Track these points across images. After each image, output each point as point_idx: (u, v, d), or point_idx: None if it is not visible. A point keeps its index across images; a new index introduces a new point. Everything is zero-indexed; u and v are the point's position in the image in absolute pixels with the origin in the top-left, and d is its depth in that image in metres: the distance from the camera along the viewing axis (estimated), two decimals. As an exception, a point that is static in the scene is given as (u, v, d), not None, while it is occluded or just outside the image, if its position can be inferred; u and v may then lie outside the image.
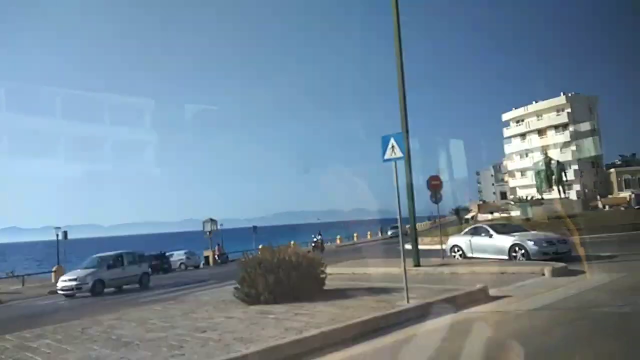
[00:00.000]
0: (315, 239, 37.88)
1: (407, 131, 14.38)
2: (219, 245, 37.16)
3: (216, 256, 35.59)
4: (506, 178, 79.67)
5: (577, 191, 60.69)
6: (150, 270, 22.54)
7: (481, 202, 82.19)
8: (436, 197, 17.49)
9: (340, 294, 10.27)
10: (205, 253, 36.40)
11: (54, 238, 32.66)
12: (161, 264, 31.55)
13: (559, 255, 14.05)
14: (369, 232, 57.20)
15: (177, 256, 34.39)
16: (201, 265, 34.89)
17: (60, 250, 31.97)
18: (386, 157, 9.00)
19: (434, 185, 17.40)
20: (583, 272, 11.73)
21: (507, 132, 73.52)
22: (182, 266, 33.38)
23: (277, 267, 9.77)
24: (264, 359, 5.92)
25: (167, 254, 34.48)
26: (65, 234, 33.28)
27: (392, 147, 8.91)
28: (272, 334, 6.79)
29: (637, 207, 50.80)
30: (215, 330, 7.59)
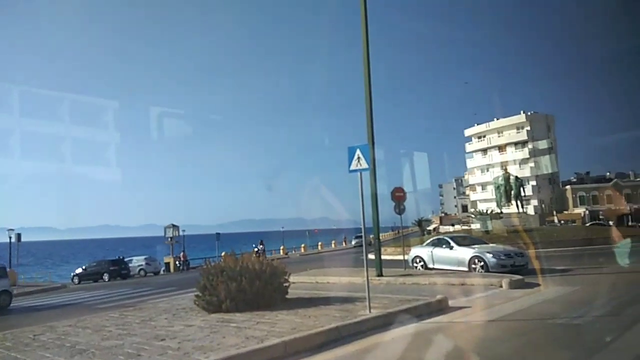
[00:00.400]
0: (256, 249, 36.82)
1: (372, 143, 14.55)
2: (184, 251, 36.65)
3: (178, 263, 34.94)
4: (468, 191, 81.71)
5: (535, 206, 62.85)
6: (10, 287, 17.76)
7: (443, 214, 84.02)
8: (400, 208, 17.74)
9: (303, 302, 10.26)
10: (166, 259, 35.70)
11: (7, 240, 31.34)
12: (119, 269, 30.77)
13: (516, 268, 14.44)
14: (333, 241, 57.48)
15: (137, 262, 33.59)
16: (161, 272, 34.18)
17: (13, 253, 30.70)
18: (352, 168, 9.10)
19: (398, 196, 17.65)
20: (538, 284, 12.12)
21: (469, 147, 75.61)
22: (142, 272, 32.61)
23: (239, 275, 9.68)
24: (224, 368, 5.84)
25: (127, 259, 33.65)
26: (18, 236, 32.00)
27: (358, 158, 9.03)
28: (233, 343, 6.72)
29: (589, 223, 52.99)
30: (174, 338, 7.44)
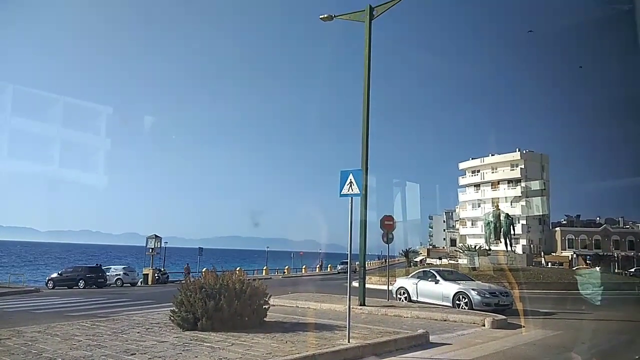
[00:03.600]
0: None
1: (366, 169, 14.49)
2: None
3: (157, 275, 34.25)
4: (457, 225, 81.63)
5: (523, 246, 62.85)
6: None
7: (431, 247, 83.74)
8: (388, 237, 17.58)
9: (281, 327, 10.03)
10: (145, 270, 34.93)
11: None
12: (96, 277, 30.10)
13: (500, 307, 14.28)
14: (317, 265, 56.91)
15: (115, 271, 32.92)
16: (139, 283, 33.43)
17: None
18: (343, 192, 8.98)
19: (387, 225, 17.51)
20: (521, 326, 11.97)
21: (462, 181, 75.90)
22: (119, 282, 31.94)
23: (219, 293, 9.45)
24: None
25: (104, 267, 33.03)
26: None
27: (350, 183, 8.93)
28: (204, 364, 6.48)
29: (576, 267, 53.00)
30: (145, 353, 7.18)
